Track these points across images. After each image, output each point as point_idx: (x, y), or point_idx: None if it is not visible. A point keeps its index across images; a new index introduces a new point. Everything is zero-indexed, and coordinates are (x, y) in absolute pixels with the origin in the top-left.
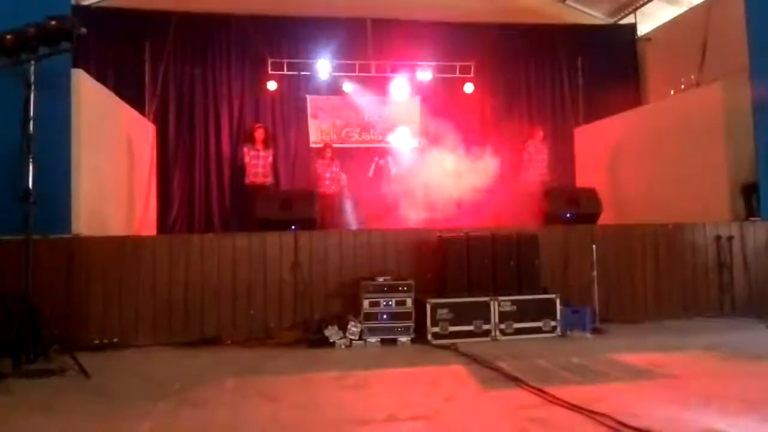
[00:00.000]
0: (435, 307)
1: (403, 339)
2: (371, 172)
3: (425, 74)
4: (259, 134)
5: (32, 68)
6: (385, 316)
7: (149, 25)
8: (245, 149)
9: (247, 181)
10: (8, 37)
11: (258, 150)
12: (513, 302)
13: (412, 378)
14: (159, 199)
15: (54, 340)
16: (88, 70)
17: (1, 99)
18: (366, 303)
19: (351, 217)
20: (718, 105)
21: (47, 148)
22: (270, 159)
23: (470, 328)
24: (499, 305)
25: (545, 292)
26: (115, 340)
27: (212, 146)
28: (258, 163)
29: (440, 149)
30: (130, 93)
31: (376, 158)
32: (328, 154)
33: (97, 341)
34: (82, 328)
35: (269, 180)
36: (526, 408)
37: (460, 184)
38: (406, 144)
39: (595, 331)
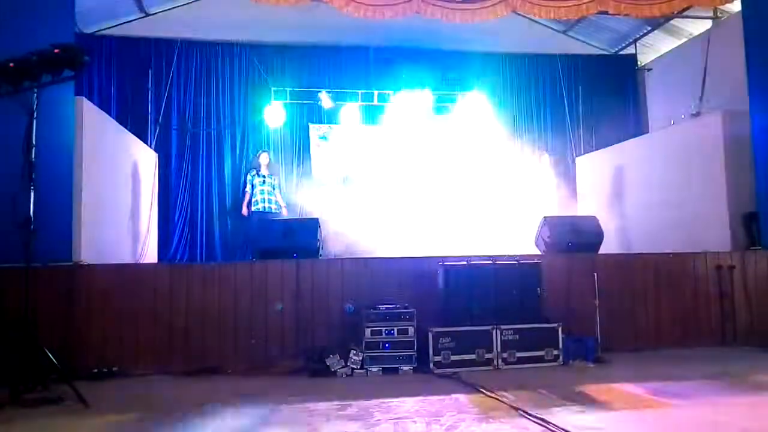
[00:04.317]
0: (437, 336)
1: (405, 368)
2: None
3: (427, 102)
4: (264, 159)
5: (35, 96)
6: (387, 345)
7: (152, 53)
8: (249, 176)
9: (252, 208)
10: (11, 64)
11: (264, 176)
12: (515, 331)
13: (413, 407)
14: (160, 227)
15: (53, 368)
16: (90, 98)
17: (3, 126)
18: (368, 332)
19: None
20: (718, 135)
21: (49, 176)
22: (276, 186)
23: (472, 357)
24: (501, 334)
25: (547, 321)
26: (115, 368)
27: (214, 174)
28: (264, 189)
29: (443, 176)
30: (133, 120)
31: None
32: (330, 182)
33: (96, 370)
34: (81, 356)
35: (274, 206)
36: None
37: (463, 211)
38: (408, 171)
39: (597, 360)
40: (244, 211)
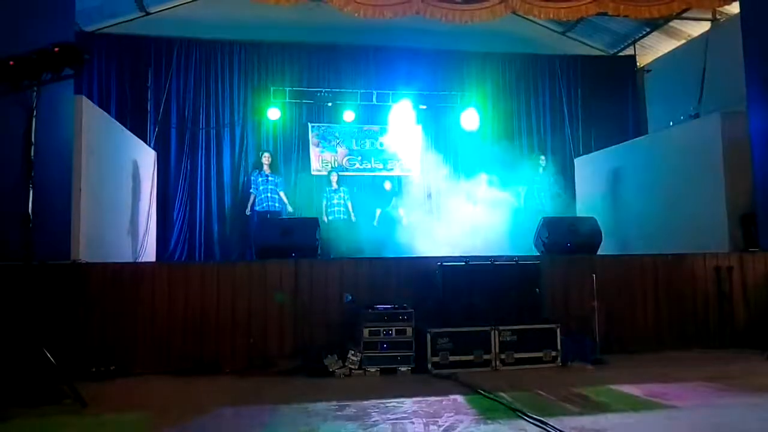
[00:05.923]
0: (435, 337)
1: (403, 368)
2: (376, 221)
3: (426, 103)
4: (266, 159)
5: (34, 94)
6: (385, 346)
7: (152, 52)
8: (253, 177)
9: (256, 207)
10: (11, 62)
11: (267, 176)
12: (514, 332)
13: (411, 408)
14: (159, 225)
15: (51, 367)
16: (90, 96)
17: (3, 125)
18: (366, 332)
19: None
20: (717, 136)
21: (48, 174)
22: (279, 186)
23: (470, 357)
24: (499, 335)
25: (546, 322)
26: (113, 367)
27: (213, 173)
28: (267, 189)
29: (440, 178)
30: (132, 119)
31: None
32: (334, 181)
33: (94, 369)
34: (79, 355)
35: (278, 204)
36: None
37: (461, 212)
38: (407, 172)
39: (596, 361)
40: (248, 210)
